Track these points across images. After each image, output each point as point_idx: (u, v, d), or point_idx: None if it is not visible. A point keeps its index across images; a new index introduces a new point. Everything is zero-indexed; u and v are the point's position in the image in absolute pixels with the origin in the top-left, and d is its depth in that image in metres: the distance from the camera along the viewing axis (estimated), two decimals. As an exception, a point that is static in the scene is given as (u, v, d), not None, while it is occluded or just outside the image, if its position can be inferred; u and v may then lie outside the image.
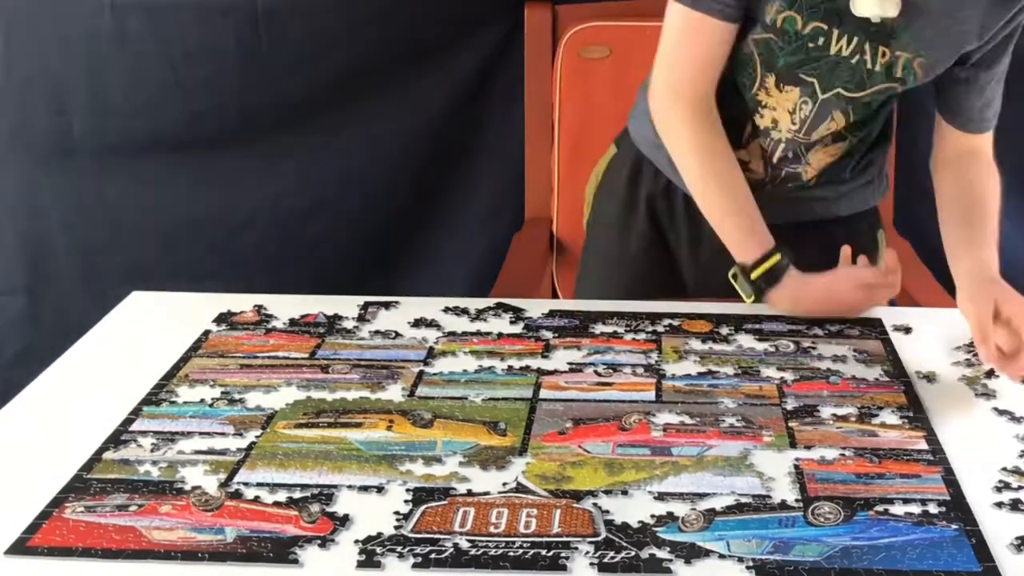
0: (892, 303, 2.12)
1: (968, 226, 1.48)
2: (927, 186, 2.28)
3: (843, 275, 1.47)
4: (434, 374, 1.34)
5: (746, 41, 1.49)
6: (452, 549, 1.02)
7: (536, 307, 1.51)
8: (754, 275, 1.45)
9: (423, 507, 1.08)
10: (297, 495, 1.10)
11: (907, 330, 1.44)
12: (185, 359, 1.38)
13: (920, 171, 2.25)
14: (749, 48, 1.49)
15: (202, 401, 1.28)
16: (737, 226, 1.48)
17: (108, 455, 1.17)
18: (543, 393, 1.29)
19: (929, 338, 1.42)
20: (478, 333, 1.44)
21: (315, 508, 1.08)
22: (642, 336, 1.42)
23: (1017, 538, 1.03)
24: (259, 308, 1.52)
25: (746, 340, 1.41)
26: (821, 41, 1.43)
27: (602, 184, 1.79)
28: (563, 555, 1.01)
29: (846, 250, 1.50)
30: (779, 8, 1.42)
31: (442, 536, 1.03)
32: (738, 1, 1.43)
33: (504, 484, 1.11)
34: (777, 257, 1.44)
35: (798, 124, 1.52)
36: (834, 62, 1.45)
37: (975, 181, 1.53)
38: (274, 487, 1.11)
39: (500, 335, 1.43)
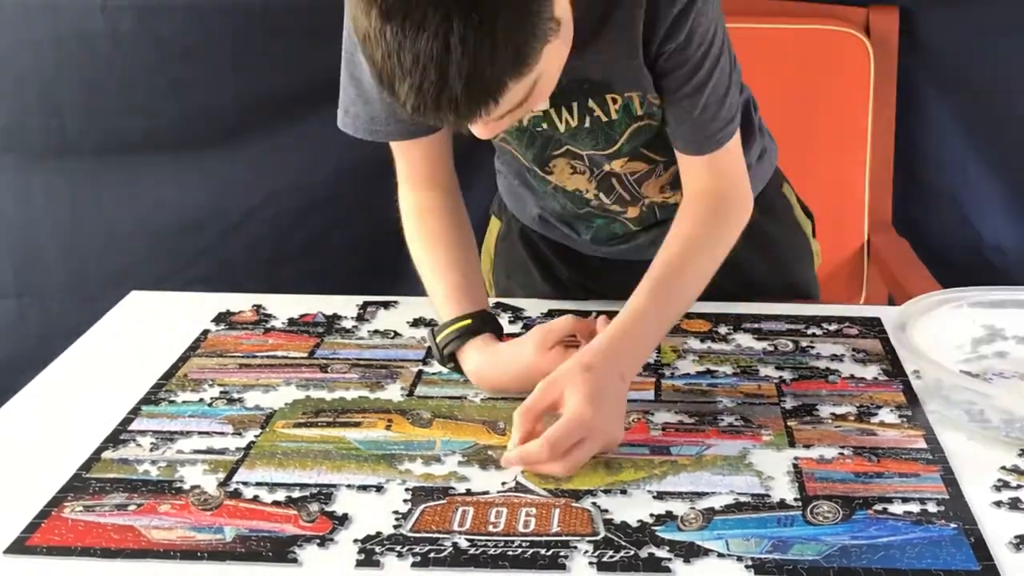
0: (891, 302, 2.13)
1: (653, 299, 1.27)
2: (926, 186, 2.29)
3: (534, 342, 1.26)
4: (433, 374, 1.34)
5: (493, 145, 1.44)
6: (451, 548, 1.02)
7: (536, 307, 1.51)
8: (439, 336, 1.30)
9: (422, 506, 1.08)
10: (296, 494, 1.10)
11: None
12: (184, 359, 1.38)
13: (920, 171, 2.27)
14: (501, 149, 1.45)
15: (201, 401, 1.28)
16: (439, 294, 1.34)
17: (107, 454, 1.17)
18: (542, 392, 1.29)
19: (929, 337, 1.41)
20: (477, 333, 1.44)
21: (314, 507, 1.08)
22: (641, 335, 1.42)
23: (1016, 537, 1.03)
24: (258, 308, 1.52)
25: (745, 339, 1.41)
26: (545, 126, 1.34)
27: (497, 260, 1.68)
28: (562, 554, 1.01)
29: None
30: None
31: (441, 535, 1.03)
32: (398, 118, 1.34)
33: (503, 483, 1.11)
34: (466, 322, 1.29)
35: (587, 172, 1.42)
36: (570, 135, 1.35)
37: (694, 234, 1.33)
38: (273, 486, 1.11)
39: (499, 335, 1.43)
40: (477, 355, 1.28)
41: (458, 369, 1.31)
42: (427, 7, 0.99)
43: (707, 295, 1.33)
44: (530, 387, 1.18)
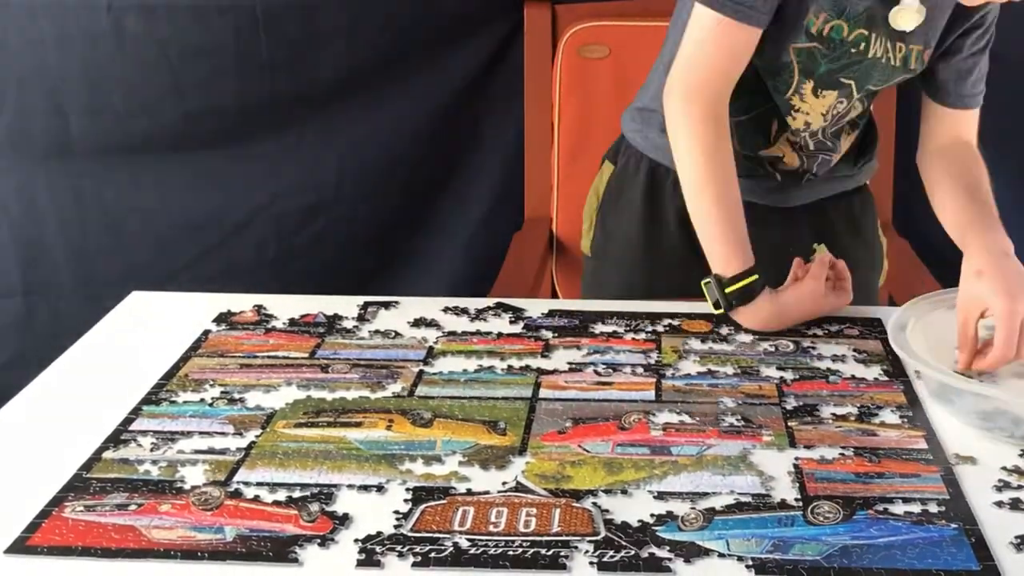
0: (891, 302, 2.13)
1: (974, 204, 1.48)
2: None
3: (815, 280, 1.45)
4: (434, 374, 1.34)
5: (786, 50, 1.48)
6: (452, 548, 1.02)
7: (536, 307, 1.51)
8: (729, 290, 1.41)
9: (423, 506, 1.08)
10: (297, 494, 1.10)
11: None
12: (185, 359, 1.38)
13: (919, 172, 2.26)
14: (789, 57, 1.49)
15: (202, 401, 1.28)
16: (723, 237, 1.44)
17: (108, 454, 1.17)
18: (543, 393, 1.29)
19: (929, 337, 1.41)
20: (478, 333, 1.44)
21: (315, 507, 1.08)
22: (642, 336, 1.42)
23: (1017, 537, 1.03)
24: (259, 308, 1.52)
25: (746, 339, 1.41)
26: (862, 46, 1.47)
27: (606, 203, 1.73)
28: (563, 554, 1.01)
29: (798, 261, 1.49)
30: (827, 18, 1.45)
31: (442, 535, 1.03)
32: (766, 6, 1.42)
33: (504, 483, 1.12)
34: (755, 277, 1.42)
35: (829, 120, 1.56)
36: (870, 64, 1.49)
37: (970, 167, 1.54)
38: (274, 486, 1.11)
39: (500, 335, 1.43)
40: (764, 306, 1.42)
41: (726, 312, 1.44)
42: None
43: None
44: (806, 319, 1.44)
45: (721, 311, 1.43)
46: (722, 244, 1.44)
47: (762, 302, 1.42)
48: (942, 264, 2.15)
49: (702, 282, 1.45)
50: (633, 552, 1.01)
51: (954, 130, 1.57)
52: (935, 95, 1.57)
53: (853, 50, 1.48)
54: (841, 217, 1.70)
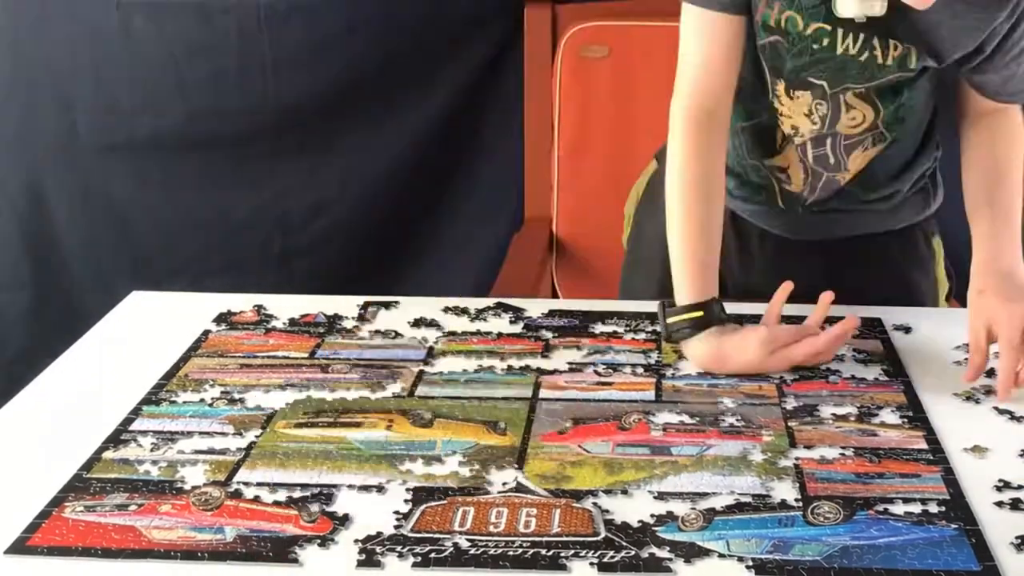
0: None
1: (990, 205, 1.45)
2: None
3: (760, 342, 1.34)
4: (434, 374, 1.34)
5: (756, 46, 1.46)
6: (452, 548, 1.02)
7: (536, 307, 1.51)
8: (670, 320, 1.36)
9: (423, 506, 1.08)
10: (297, 495, 1.10)
11: (907, 330, 1.44)
12: (185, 359, 1.38)
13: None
14: (760, 54, 1.47)
15: (202, 401, 1.28)
16: (684, 259, 1.39)
17: (108, 454, 1.17)
18: (543, 393, 1.29)
19: (928, 337, 1.42)
20: (478, 333, 1.44)
21: (315, 507, 1.08)
22: (642, 336, 1.42)
23: (1017, 537, 1.03)
24: (259, 308, 1.52)
25: (746, 340, 1.41)
26: (826, 42, 1.41)
27: (644, 201, 1.73)
28: (563, 554, 1.01)
29: (778, 296, 1.41)
30: (781, 8, 1.40)
31: (442, 536, 1.03)
32: None
33: (504, 484, 1.11)
34: (699, 314, 1.35)
35: (819, 123, 1.48)
36: (842, 61, 1.42)
37: (1002, 147, 1.50)
38: (274, 487, 1.11)
39: (500, 335, 1.43)
40: (702, 346, 1.35)
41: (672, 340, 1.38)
42: None
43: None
44: (748, 371, 1.33)
45: (666, 339, 1.38)
46: (681, 267, 1.38)
47: (700, 341, 1.34)
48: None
49: (657, 304, 1.40)
50: (633, 552, 1.01)
51: (988, 104, 1.51)
52: (974, 87, 1.50)
53: (816, 46, 1.41)
54: (869, 260, 1.58)
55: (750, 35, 1.44)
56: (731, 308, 1.40)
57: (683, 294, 1.37)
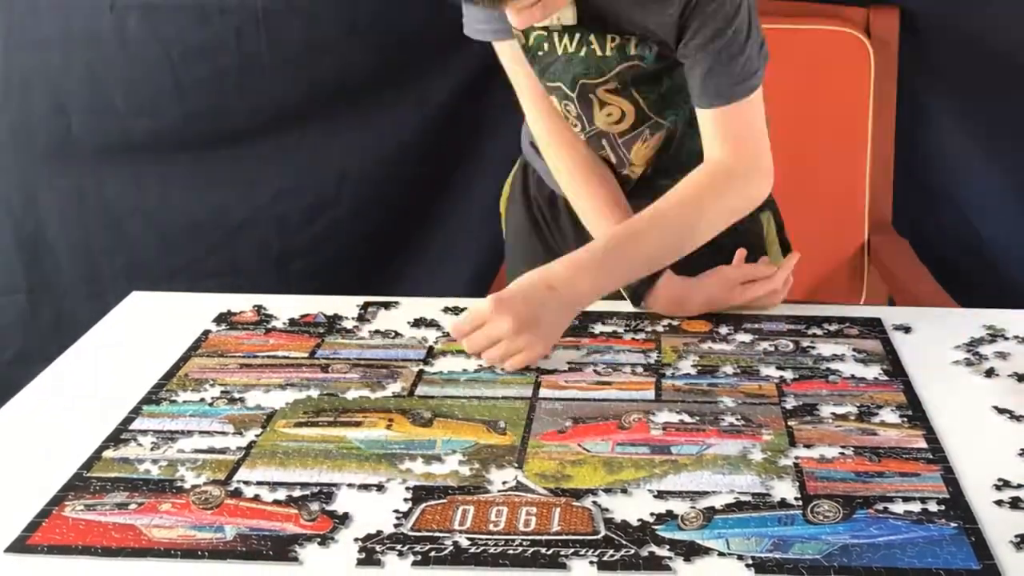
0: (891, 302, 2.13)
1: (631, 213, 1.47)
2: (926, 186, 2.29)
3: (722, 277, 1.45)
4: (434, 373, 1.34)
5: None
6: (452, 547, 1.02)
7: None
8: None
9: (423, 505, 1.08)
10: (297, 493, 1.10)
11: (907, 329, 1.44)
12: (185, 358, 1.38)
13: (919, 172, 2.27)
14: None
15: (202, 400, 1.28)
16: (603, 223, 1.48)
17: (108, 454, 1.17)
18: (543, 392, 1.29)
19: (928, 337, 1.42)
20: (478, 332, 1.44)
21: (315, 506, 1.08)
22: (641, 336, 1.42)
23: (1017, 536, 1.03)
24: (259, 308, 1.52)
25: (745, 339, 1.41)
26: (547, 47, 1.46)
27: (509, 196, 1.78)
28: (563, 553, 1.01)
29: (740, 253, 1.48)
30: (508, 27, 1.44)
31: (442, 534, 1.03)
32: (491, 21, 1.48)
33: (504, 483, 1.12)
34: None
35: (577, 124, 1.53)
36: (565, 60, 1.46)
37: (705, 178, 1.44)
38: (274, 485, 1.11)
39: (500, 334, 1.43)
40: (663, 290, 1.43)
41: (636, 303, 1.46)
42: None
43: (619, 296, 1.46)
44: (714, 306, 1.44)
45: (633, 302, 1.45)
46: (607, 228, 1.46)
47: (660, 287, 1.43)
48: (942, 264, 2.16)
49: None
50: (633, 551, 1.01)
51: (706, 137, 1.45)
52: (694, 99, 1.46)
53: (540, 53, 1.47)
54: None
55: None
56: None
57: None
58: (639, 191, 1.56)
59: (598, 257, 1.37)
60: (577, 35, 1.43)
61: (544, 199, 1.69)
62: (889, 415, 1.24)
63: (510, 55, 1.52)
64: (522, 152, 1.75)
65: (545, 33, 1.44)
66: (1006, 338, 1.40)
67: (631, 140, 1.52)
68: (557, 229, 1.68)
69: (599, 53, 1.44)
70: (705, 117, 1.43)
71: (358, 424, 1.23)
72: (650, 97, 1.49)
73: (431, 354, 1.38)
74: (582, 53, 1.44)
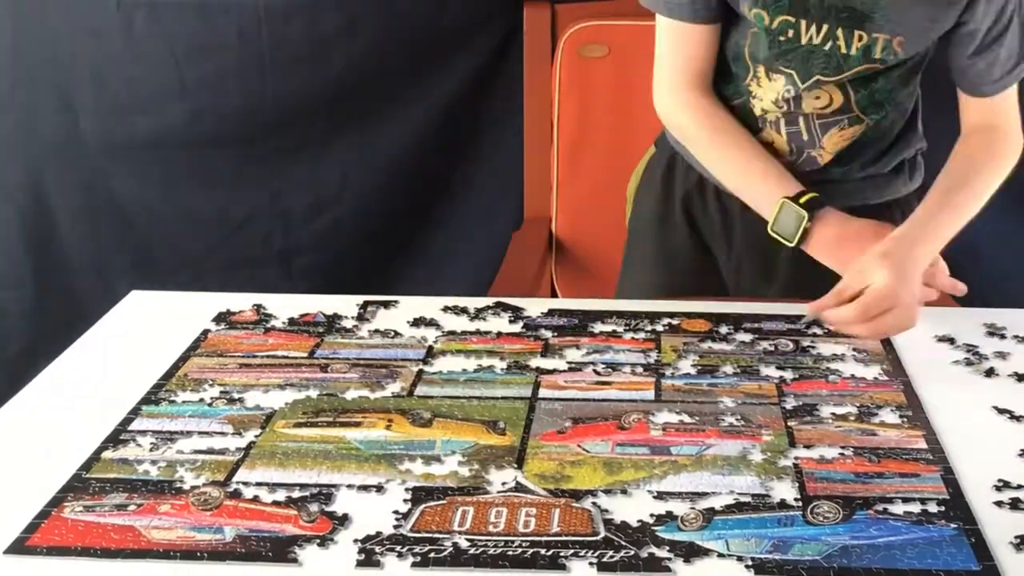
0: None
1: (945, 193, 1.48)
2: (926, 186, 2.29)
3: (873, 228, 1.47)
4: (433, 373, 1.34)
5: (741, 34, 1.53)
6: (451, 548, 1.02)
7: (535, 306, 1.51)
8: (802, 200, 1.46)
9: (422, 506, 1.08)
10: (296, 494, 1.10)
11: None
12: (184, 358, 1.38)
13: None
14: (743, 41, 1.53)
15: (201, 401, 1.28)
16: (764, 173, 1.51)
17: (107, 454, 1.17)
18: (542, 392, 1.29)
19: (928, 337, 1.42)
20: (477, 332, 1.44)
21: (314, 507, 1.08)
22: (641, 335, 1.42)
23: (1017, 537, 1.03)
24: (258, 307, 1.52)
25: (745, 339, 1.41)
26: (791, 34, 1.46)
27: (641, 183, 1.81)
28: (562, 554, 1.01)
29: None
30: (749, 5, 1.46)
31: (441, 535, 1.03)
32: (708, 4, 1.49)
33: (503, 483, 1.11)
34: (815, 193, 1.47)
35: (784, 105, 1.55)
36: (807, 51, 1.47)
37: (975, 155, 1.54)
38: (273, 486, 1.11)
39: (499, 334, 1.43)
40: (834, 221, 1.46)
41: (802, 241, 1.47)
42: None
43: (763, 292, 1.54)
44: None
45: (797, 242, 1.47)
46: (766, 181, 1.49)
47: (831, 216, 1.45)
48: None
49: (769, 228, 1.48)
50: (633, 552, 1.01)
51: (979, 115, 1.56)
52: (956, 81, 1.56)
53: (782, 38, 1.47)
54: None
55: (730, 27, 1.52)
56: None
57: (789, 187, 1.48)
58: (810, 176, 1.58)
59: (929, 225, 1.43)
60: (825, 27, 1.44)
61: (693, 184, 1.70)
62: (889, 415, 1.24)
63: (696, 39, 1.52)
64: (666, 143, 1.74)
65: (792, 19, 1.45)
66: (1006, 338, 1.40)
67: (829, 124, 1.55)
68: (705, 215, 1.69)
69: (843, 51, 1.46)
70: (973, 100, 1.54)
71: (357, 424, 1.22)
72: (862, 91, 1.53)
73: (431, 354, 1.38)
74: (827, 47, 1.46)
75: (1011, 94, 1.56)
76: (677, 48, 1.55)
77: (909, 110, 1.64)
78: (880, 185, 1.66)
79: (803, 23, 1.45)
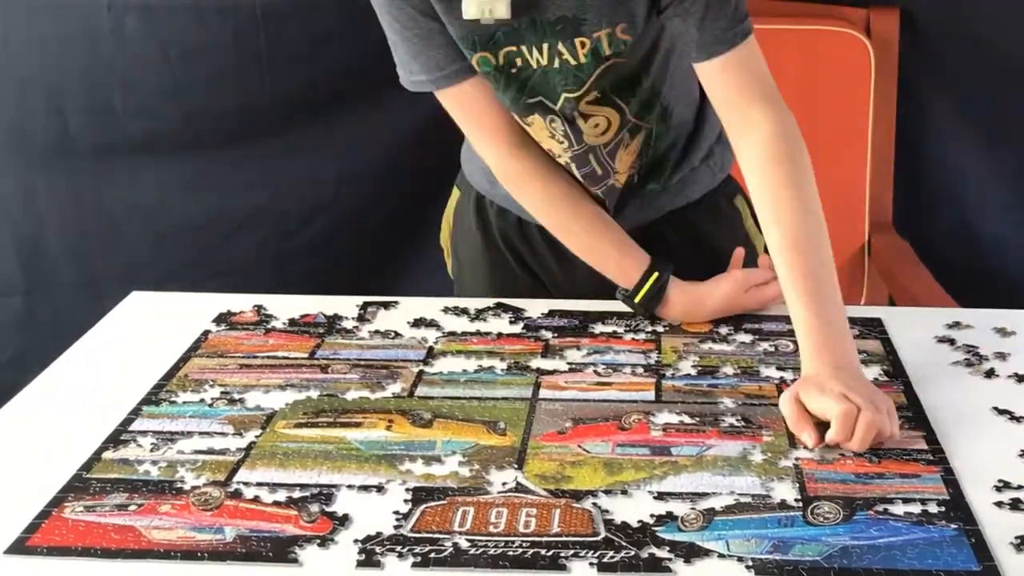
0: (891, 303, 2.13)
1: (814, 278, 1.29)
2: (926, 186, 2.29)
3: (734, 281, 1.45)
4: (434, 374, 1.34)
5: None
6: (451, 549, 1.02)
7: (536, 307, 1.51)
8: (637, 299, 1.44)
9: (422, 507, 1.08)
10: (297, 495, 1.10)
11: (907, 330, 1.44)
12: (185, 359, 1.38)
13: (920, 171, 2.27)
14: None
15: (202, 401, 1.28)
16: (612, 247, 1.46)
17: (108, 455, 1.17)
18: (543, 393, 1.29)
19: (928, 337, 1.42)
20: (478, 333, 1.44)
21: (315, 508, 1.08)
22: (642, 336, 1.42)
23: (1017, 537, 1.03)
24: (259, 308, 1.52)
25: (746, 340, 1.41)
26: (519, 62, 1.40)
27: (454, 231, 1.72)
28: (562, 555, 1.01)
29: (738, 253, 1.49)
30: (470, 54, 1.39)
31: (441, 536, 1.03)
32: (454, 60, 1.41)
33: (504, 484, 1.11)
34: (655, 276, 1.43)
35: (565, 141, 1.47)
36: (542, 73, 1.40)
37: (807, 189, 1.35)
38: (274, 487, 1.11)
39: (500, 335, 1.43)
40: (676, 300, 1.44)
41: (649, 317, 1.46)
42: None
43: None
44: (726, 312, 1.44)
45: (645, 318, 1.46)
46: (608, 257, 1.47)
47: (675, 296, 1.44)
48: (942, 264, 2.16)
49: (616, 297, 1.47)
50: (633, 553, 1.01)
51: (724, 88, 1.37)
52: (695, 55, 1.38)
53: (513, 70, 1.40)
54: (682, 234, 1.58)
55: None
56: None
57: (630, 275, 1.45)
58: (625, 199, 1.54)
59: (821, 317, 1.26)
60: (546, 46, 1.38)
61: (512, 228, 1.61)
62: (889, 416, 1.23)
63: (473, 93, 1.43)
64: (468, 185, 1.66)
65: (515, 48, 1.38)
66: (1006, 338, 1.40)
67: (614, 149, 1.49)
68: (533, 255, 1.61)
69: (573, 62, 1.39)
70: (710, 72, 1.36)
71: (358, 425, 1.23)
72: (631, 100, 1.46)
73: (431, 354, 1.38)
74: (556, 65, 1.39)
75: (748, 53, 1.37)
76: (469, 112, 1.46)
77: (696, 100, 1.54)
78: (698, 179, 1.58)
79: (524, 48, 1.38)
